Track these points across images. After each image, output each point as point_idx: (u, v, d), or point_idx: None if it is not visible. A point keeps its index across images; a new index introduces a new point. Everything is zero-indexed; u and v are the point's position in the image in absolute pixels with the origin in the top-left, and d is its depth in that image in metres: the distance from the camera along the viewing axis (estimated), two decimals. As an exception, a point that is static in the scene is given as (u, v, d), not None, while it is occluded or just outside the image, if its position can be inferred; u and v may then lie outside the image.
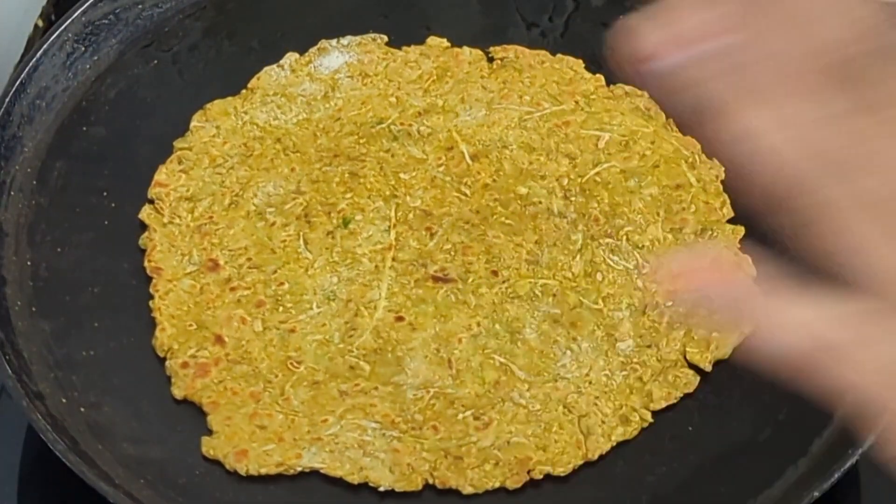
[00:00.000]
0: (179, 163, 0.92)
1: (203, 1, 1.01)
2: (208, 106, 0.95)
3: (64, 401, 0.81)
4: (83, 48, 0.96)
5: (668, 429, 0.82)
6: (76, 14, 0.95)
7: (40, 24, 1.08)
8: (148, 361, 0.84)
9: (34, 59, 0.93)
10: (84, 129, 0.94)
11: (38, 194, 0.90)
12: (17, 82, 0.91)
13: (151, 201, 0.90)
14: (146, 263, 0.87)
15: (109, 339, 0.84)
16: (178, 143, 0.93)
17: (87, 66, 0.96)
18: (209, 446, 0.80)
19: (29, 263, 0.87)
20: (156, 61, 0.98)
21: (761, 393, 0.83)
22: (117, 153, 0.93)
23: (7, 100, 0.90)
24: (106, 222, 0.90)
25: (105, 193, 0.91)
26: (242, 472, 0.79)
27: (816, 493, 0.75)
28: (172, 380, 0.82)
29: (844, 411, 0.81)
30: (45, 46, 0.93)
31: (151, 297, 0.86)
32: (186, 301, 0.86)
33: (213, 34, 1.00)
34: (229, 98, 0.96)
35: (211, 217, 0.90)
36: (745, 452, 0.81)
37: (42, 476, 0.83)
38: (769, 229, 0.89)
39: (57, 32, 0.94)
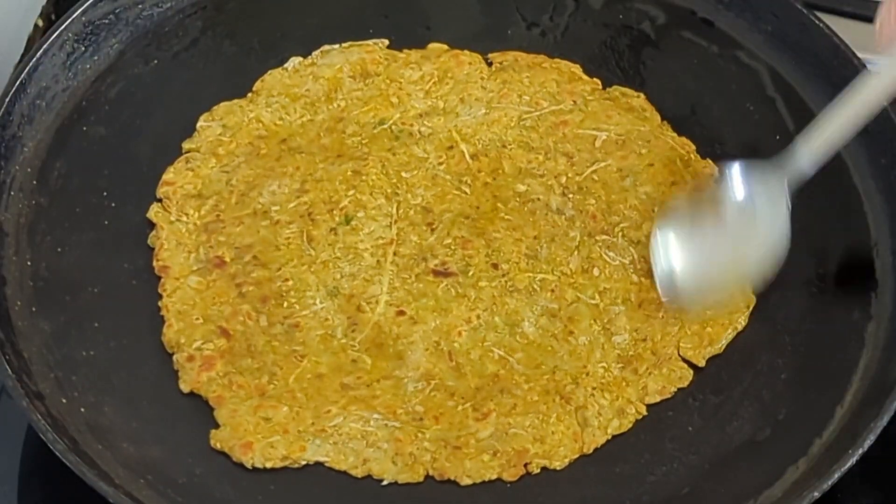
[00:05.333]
0: (187, 162, 0.92)
1: (203, 1, 1.01)
2: (214, 108, 0.95)
3: (64, 401, 0.81)
4: (83, 48, 0.96)
5: (668, 429, 0.82)
6: (76, 14, 0.95)
7: (40, 24, 1.08)
8: (148, 361, 0.84)
9: (34, 59, 0.93)
10: (84, 129, 0.94)
11: (38, 194, 0.90)
12: (17, 82, 0.91)
13: (159, 200, 0.91)
14: (154, 263, 0.87)
15: (109, 339, 0.84)
16: (186, 144, 0.93)
17: (87, 66, 0.96)
18: (216, 439, 0.80)
19: (29, 263, 0.87)
20: (156, 61, 0.98)
21: (761, 393, 0.83)
22: (117, 153, 0.93)
23: (7, 100, 0.90)
24: (106, 222, 0.90)
25: (105, 193, 0.91)
26: (248, 465, 0.79)
27: (816, 494, 0.75)
28: (179, 374, 0.83)
29: (844, 411, 0.81)
30: (45, 46, 0.93)
31: (154, 296, 0.86)
32: (193, 297, 0.86)
33: (213, 34, 1.00)
34: (235, 101, 0.96)
35: (218, 215, 0.90)
36: (745, 452, 0.81)
37: (42, 476, 0.83)
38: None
39: (57, 32, 0.94)
